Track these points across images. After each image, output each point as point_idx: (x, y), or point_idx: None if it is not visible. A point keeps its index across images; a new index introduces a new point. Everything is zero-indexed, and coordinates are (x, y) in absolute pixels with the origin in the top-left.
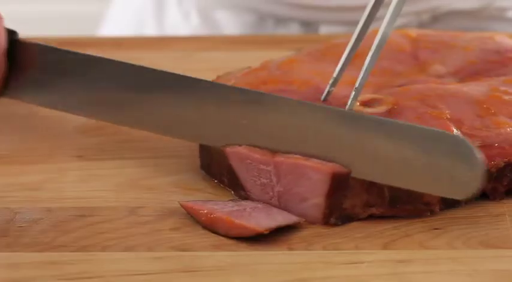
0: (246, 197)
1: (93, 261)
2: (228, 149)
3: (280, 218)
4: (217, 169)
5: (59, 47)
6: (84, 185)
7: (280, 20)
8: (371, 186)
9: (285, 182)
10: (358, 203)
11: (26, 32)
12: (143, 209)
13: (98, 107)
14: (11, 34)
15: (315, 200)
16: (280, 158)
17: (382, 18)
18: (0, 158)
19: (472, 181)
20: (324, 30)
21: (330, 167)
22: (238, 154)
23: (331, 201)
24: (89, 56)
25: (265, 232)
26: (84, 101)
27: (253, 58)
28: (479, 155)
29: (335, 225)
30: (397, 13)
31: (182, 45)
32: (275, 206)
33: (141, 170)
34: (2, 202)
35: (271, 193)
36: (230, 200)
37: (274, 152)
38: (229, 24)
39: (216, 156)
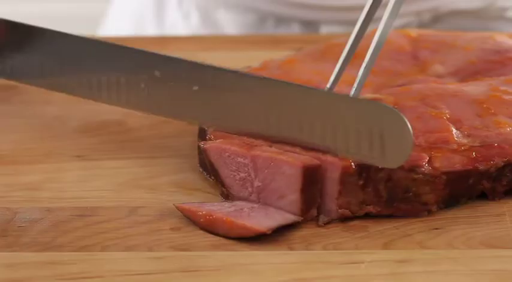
0: (227, 195)
1: (93, 261)
2: (206, 145)
3: (279, 218)
4: (206, 168)
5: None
6: (84, 185)
7: (281, 20)
8: (366, 185)
9: (262, 176)
10: (354, 201)
11: None
12: (143, 209)
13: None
14: None
15: (291, 196)
16: (256, 152)
17: (381, 17)
18: (0, 158)
19: (402, 151)
20: (325, 29)
21: (301, 161)
22: (216, 148)
23: (306, 195)
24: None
25: (268, 232)
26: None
27: (253, 58)
28: (409, 126)
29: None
30: (395, 12)
31: (182, 45)
32: (255, 203)
33: (141, 170)
34: (2, 202)
35: (250, 189)
36: (225, 200)
37: (250, 145)
38: (230, 24)
39: (203, 155)
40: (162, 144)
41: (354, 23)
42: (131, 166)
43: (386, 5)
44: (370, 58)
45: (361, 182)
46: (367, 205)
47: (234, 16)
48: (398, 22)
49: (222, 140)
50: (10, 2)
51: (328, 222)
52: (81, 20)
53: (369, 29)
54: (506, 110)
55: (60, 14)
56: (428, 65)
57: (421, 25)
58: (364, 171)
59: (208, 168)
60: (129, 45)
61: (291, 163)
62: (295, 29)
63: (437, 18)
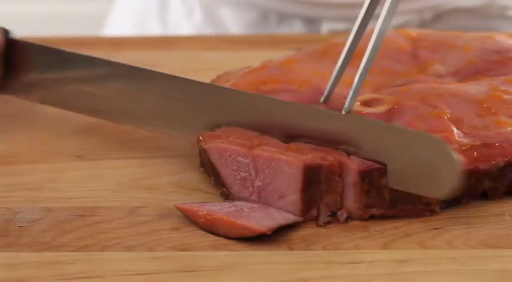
0: (228, 195)
1: (92, 261)
2: (206, 145)
3: (280, 218)
4: (206, 168)
5: (48, 46)
6: (84, 185)
7: (283, 17)
8: (370, 188)
9: (262, 176)
10: (358, 204)
11: (27, 32)
12: (143, 209)
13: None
14: (5, 33)
15: (291, 197)
16: (257, 151)
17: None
18: (0, 158)
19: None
20: (327, 27)
21: (301, 160)
22: (218, 148)
23: (306, 196)
24: (80, 55)
25: (268, 232)
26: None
27: (254, 58)
28: (456, 156)
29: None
30: (393, 11)
31: (183, 45)
32: (255, 203)
33: (141, 170)
34: (2, 202)
35: (250, 188)
36: (225, 200)
37: (251, 144)
38: (233, 21)
39: (203, 155)
40: (162, 144)
41: (355, 20)
42: (131, 166)
43: (385, 2)
44: (369, 57)
45: (365, 187)
46: (370, 208)
47: (237, 13)
48: (399, 20)
49: (222, 139)
50: (12, 2)
51: (328, 222)
52: (84, 19)
53: (369, 27)
54: (507, 110)
55: (64, 14)
56: (428, 65)
57: (422, 23)
58: (367, 177)
59: (208, 168)
60: (132, 45)
61: (291, 163)
62: (297, 26)
63: (439, 16)
